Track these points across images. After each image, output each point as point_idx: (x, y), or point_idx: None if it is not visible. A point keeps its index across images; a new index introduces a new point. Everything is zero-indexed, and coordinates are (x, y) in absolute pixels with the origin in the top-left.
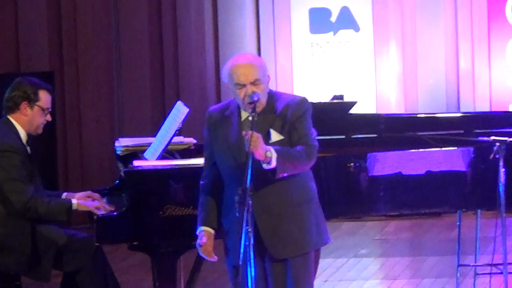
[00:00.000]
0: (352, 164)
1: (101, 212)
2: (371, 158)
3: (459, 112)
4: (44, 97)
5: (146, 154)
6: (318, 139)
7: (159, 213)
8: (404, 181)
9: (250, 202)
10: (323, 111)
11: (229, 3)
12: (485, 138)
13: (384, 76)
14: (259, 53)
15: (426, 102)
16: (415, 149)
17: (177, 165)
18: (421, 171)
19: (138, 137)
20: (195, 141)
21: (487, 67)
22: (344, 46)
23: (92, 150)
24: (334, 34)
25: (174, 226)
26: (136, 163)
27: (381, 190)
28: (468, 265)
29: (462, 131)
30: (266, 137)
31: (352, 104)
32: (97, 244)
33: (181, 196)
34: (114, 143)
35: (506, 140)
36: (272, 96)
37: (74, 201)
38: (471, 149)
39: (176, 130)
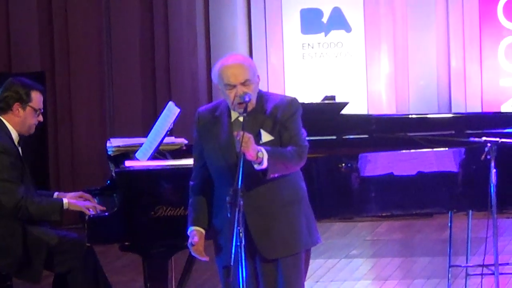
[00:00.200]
0: (343, 164)
1: (92, 212)
2: (362, 158)
3: (450, 113)
4: (36, 98)
5: (137, 155)
6: (309, 140)
7: (151, 213)
8: (396, 182)
9: (242, 202)
10: (314, 112)
11: (220, 4)
12: (477, 139)
13: (376, 77)
14: (250, 54)
15: (417, 103)
16: (406, 149)
17: (169, 165)
18: (413, 171)
19: (129, 137)
20: (186, 142)
21: (478, 67)
22: (335, 46)
23: (83, 151)
24: (325, 35)
25: (165, 226)
26: (128, 163)
27: (373, 191)
28: (460, 266)
29: (453, 132)
30: (257, 138)
31: (343, 104)
32: (88, 244)
33: (173, 197)
34: (105, 143)
35: (497, 141)
36: (262, 97)
37: (65, 200)
38: (463, 149)
39: (168, 131)
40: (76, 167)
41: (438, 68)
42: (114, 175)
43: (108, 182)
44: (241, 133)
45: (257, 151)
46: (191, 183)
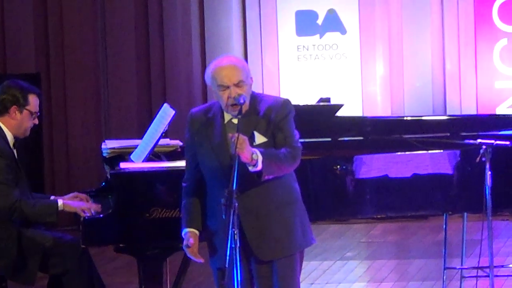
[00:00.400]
0: (338, 166)
1: (87, 214)
2: (357, 160)
3: (445, 115)
4: (33, 101)
5: (132, 156)
6: (304, 142)
7: (146, 215)
8: (391, 184)
9: (237, 204)
10: (309, 114)
11: (215, 5)
12: (472, 141)
13: (371, 79)
14: (245, 56)
15: (412, 105)
16: (401, 151)
17: (164, 167)
18: (408, 173)
19: (124, 139)
20: (181, 144)
21: (473, 69)
22: (330, 48)
23: (78, 152)
24: (320, 37)
25: (160, 228)
26: (123, 165)
27: (368, 193)
28: (455, 268)
29: (448, 134)
30: (250, 139)
31: (338, 106)
32: (83, 246)
33: (168, 199)
34: (100, 145)
35: (492, 143)
36: (255, 98)
37: (60, 202)
38: (458, 152)
39: (162, 133)
40: (71, 168)
41: (433, 70)
42: (109, 177)
43: (103, 183)
44: (236, 135)
45: (252, 153)
46: (183, 184)
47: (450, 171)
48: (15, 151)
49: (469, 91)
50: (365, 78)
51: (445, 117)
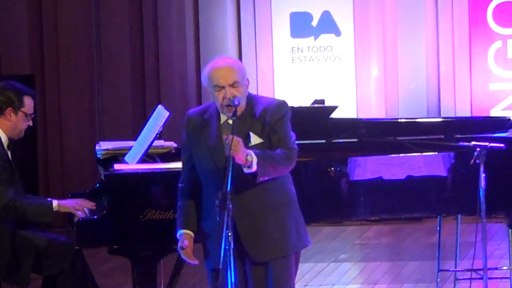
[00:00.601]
0: (332, 168)
1: (81, 215)
2: (351, 162)
3: (439, 117)
4: (28, 103)
5: (126, 158)
6: (299, 144)
7: (140, 217)
8: (385, 186)
9: (231, 206)
10: (304, 116)
11: (210, 6)
12: (466, 143)
13: (365, 81)
14: (240, 58)
15: (407, 107)
16: (395, 154)
17: (158, 168)
18: (402, 175)
19: (119, 140)
20: (175, 145)
21: (468, 72)
22: (325, 50)
23: (72, 154)
24: (315, 39)
25: (154, 230)
26: (117, 166)
27: (362, 195)
28: (448, 270)
29: (442, 136)
30: (246, 140)
31: (333, 108)
32: (77, 247)
33: (162, 200)
34: (94, 146)
35: (486, 146)
36: (251, 99)
37: (55, 202)
38: (452, 154)
39: (157, 134)
40: (66, 170)
41: (427, 72)
42: (103, 178)
43: (97, 185)
44: (230, 136)
45: (246, 155)
46: (179, 185)
47: (444, 173)
48: (9, 152)
49: (463, 93)
50: (359, 80)
51: (439, 119)
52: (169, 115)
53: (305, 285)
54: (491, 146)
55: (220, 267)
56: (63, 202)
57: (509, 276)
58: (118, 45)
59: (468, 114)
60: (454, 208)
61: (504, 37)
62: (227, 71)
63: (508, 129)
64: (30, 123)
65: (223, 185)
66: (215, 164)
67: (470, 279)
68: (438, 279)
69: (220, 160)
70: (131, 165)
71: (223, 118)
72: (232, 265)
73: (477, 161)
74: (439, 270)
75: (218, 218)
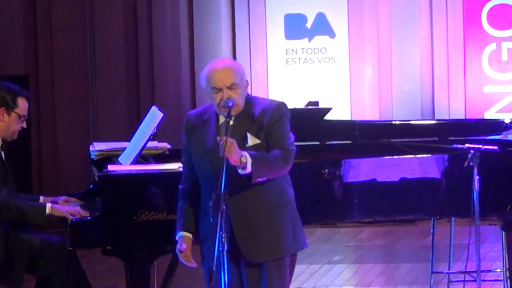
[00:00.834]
0: (326, 170)
1: (76, 217)
2: (345, 164)
3: (433, 119)
4: (22, 104)
5: (120, 159)
6: None
7: (133, 218)
8: (379, 188)
9: (224, 207)
10: (298, 117)
11: (204, 8)
12: (460, 146)
13: (359, 83)
14: (234, 59)
15: (401, 109)
16: (389, 156)
17: (152, 170)
18: (396, 178)
19: (112, 141)
20: (169, 146)
21: (462, 74)
22: (319, 52)
23: (66, 155)
24: (309, 41)
25: (148, 231)
26: (111, 167)
27: (355, 197)
28: (442, 272)
29: (436, 138)
30: (243, 141)
31: (327, 110)
32: (70, 248)
33: (155, 201)
34: (88, 147)
35: (480, 148)
36: (250, 101)
37: (48, 205)
38: (446, 156)
39: (151, 135)
40: (59, 171)
41: (421, 74)
42: (97, 179)
43: (91, 186)
44: (224, 138)
45: (241, 156)
46: (180, 187)
47: (438, 176)
48: (2, 153)
49: (457, 96)
50: (353, 82)
51: (433, 122)
52: (163, 116)
53: (299, 287)
54: (485, 149)
55: (214, 268)
56: (57, 206)
57: (502, 278)
58: (112, 47)
59: (462, 116)
60: (447, 210)
61: (498, 40)
62: (225, 73)
63: (502, 132)
64: (24, 125)
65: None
66: (212, 166)
67: (464, 281)
68: (432, 281)
69: (217, 161)
70: (125, 166)
71: (221, 119)
72: (225, 267)
73: (471, 164)
74: (432, 272)
75: (211, 220)
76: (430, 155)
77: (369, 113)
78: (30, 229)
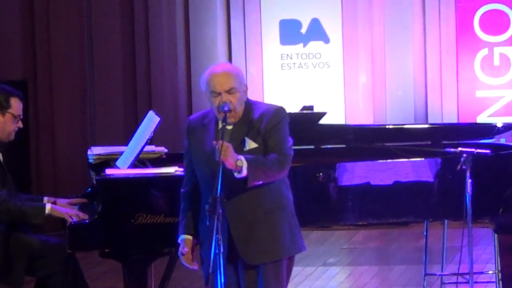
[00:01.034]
0: (321, 174)
1: (74, 219)
2: (339, 168)
3: (427, 124)
4: (16, 104)
5: (118, 163)
6: None
7: (131, 221)
8: (372, 191)
9: (221, 210)
10: (293, 122)
11: (200, 14)
12: (453, 150)
13: (353, 87)
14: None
15: (394, 113)
16: (383, 159)
17: (149, 173)
18: (389, 181)
19: (110, 145)
20: (166, 150)
21: (455, 79)
22: (314, 57)
23: (64, 158)
24: (304, 46)
25: (145, 234)
26: (108, 171)
27: (350, 200)
28: (435, 274)
29: (430, 142)
30: (241, 145)
31: (321, 114)
32: (69, 251)
33: (153, 205)
34: (86, 151)
35: (473, 152)
36: (250, 105)
37: (48, 206)
38: (439, 160)
39: (148, 139)
40: (58, 174)
41: (415, 79)
42: (94, 182)
43: (89, 189)
44: (220, 142)
45: (237, 160)
46: (182, 190)
47: (431, 179)
48: (0, 155)
49: (450, 100)
50: (347, 87)
51: (426, 126)
52: (160, 120)
53: None
54: (477, 152)
55: (210, 271)
56: (57, 207)
57: (494, 280)
58: (109, 52)
59: (454, 121)
60: (440, 213)
61: (491, 45)
62: (224, 78)
63: (494, 136)
64: (20, 125)
65: (214, 189)
66: (211, 169)
67: (456, 283)
68: (425, 283)
69: (215, 165)
70: (122, 170)
71: (221, 123)
72: (222, 269)
73: (464, 167)
74: (425, 274)
75: (208, 223)
76: (423, 159)
77: (363, 117)
78: (30, 231)
